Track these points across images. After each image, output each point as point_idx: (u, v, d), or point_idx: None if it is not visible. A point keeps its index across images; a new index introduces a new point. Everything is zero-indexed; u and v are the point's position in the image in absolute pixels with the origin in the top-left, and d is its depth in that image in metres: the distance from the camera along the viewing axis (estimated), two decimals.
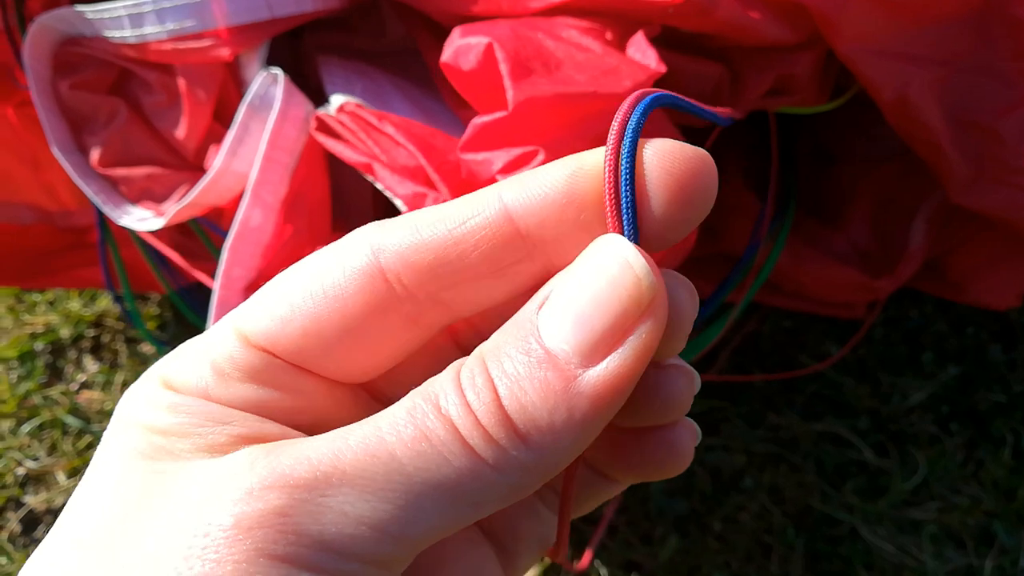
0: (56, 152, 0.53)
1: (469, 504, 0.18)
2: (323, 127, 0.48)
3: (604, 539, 0.64)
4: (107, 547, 0.18)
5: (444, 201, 0.41)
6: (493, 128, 0.38)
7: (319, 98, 0.52)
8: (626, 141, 0.18)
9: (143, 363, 0.79)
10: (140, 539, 0.18)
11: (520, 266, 0.19)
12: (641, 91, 0.20)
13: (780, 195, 0.59)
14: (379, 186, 0.45)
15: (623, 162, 0.18)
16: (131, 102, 0.54)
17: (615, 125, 0.19)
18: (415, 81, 0.54)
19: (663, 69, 0.40)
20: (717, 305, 0.56)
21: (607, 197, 0.18)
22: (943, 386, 0.70)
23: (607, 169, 0.18)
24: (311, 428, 0.20)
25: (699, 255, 0.58)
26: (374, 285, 0.19)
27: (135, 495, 0.18)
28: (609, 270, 0.18)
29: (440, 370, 0.19)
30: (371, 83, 0.52)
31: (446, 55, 0.41)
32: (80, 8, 0.49)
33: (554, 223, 0.19)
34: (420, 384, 0.19)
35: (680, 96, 0.20)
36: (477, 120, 0.39)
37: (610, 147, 0.18)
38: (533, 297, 0.19)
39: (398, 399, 0.19)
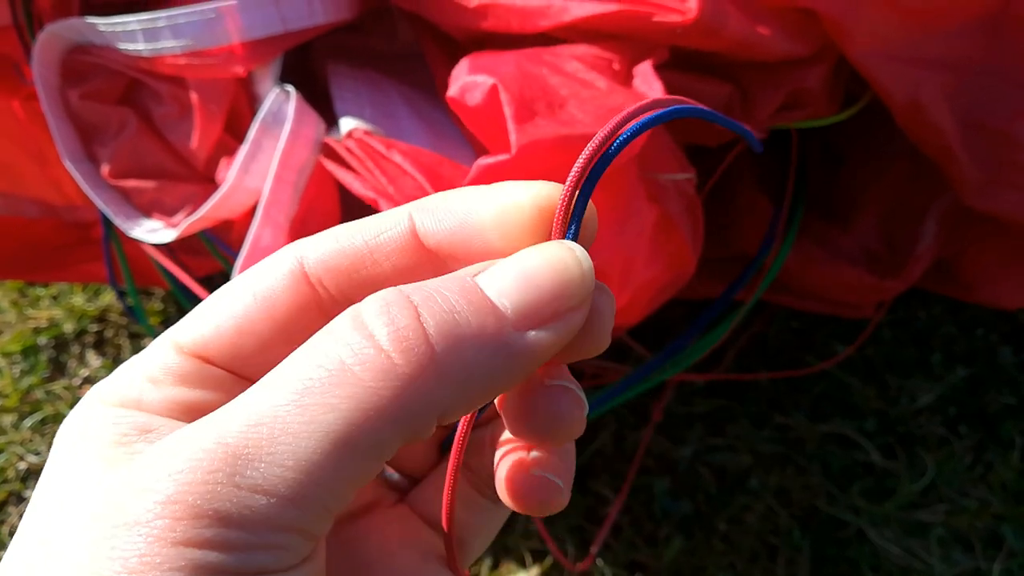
0: (67, 162, 0.53)
1: (365, 447, 0.17)
2: (332, 154, 0.48)
3: (608, 539, 0.63)
4: (49, 556, 0.18)
5: None
6: (497, 169, 0.39)
7: (326, 99, 0.51)
8: (596, 168, 0.20)
9: None
10: (73, 547, 0.17)
11: (428, 276, 0.20)
12: (625, 114, 0.21)
13: (791, 195, 0.58)
14: None
15: (584, 186, 0.20)
16: (141, 112, 0.54)
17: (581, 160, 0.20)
18: (424, 89, 0.54)
19: None
20: (726, 304, 0.55)
21: (559, 211, 0.20)
22: (952, 388, 0.69)
23: (567, 190, 0.20)
24: None
25: (713, 257, 0.58)
26: (299, 287, 0.21)
27: (83, 503, 0.18)
28: (562, 258, 0.19)
29: None
30: (381, 96, 0.52)
31: (453, 90, 0.41)
32: (92, 20, 0.48)
33: (470, 246, 0.20)
34: None
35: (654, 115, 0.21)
36: (482, 161, 0.39)
37: (576, 170, 0.20)
38: (464, 269, 0.20)
39: None
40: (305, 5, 0.48)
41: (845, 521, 0.63)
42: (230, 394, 0.20)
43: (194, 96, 0.50)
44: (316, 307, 0.21)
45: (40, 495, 0.19)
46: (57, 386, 0.77)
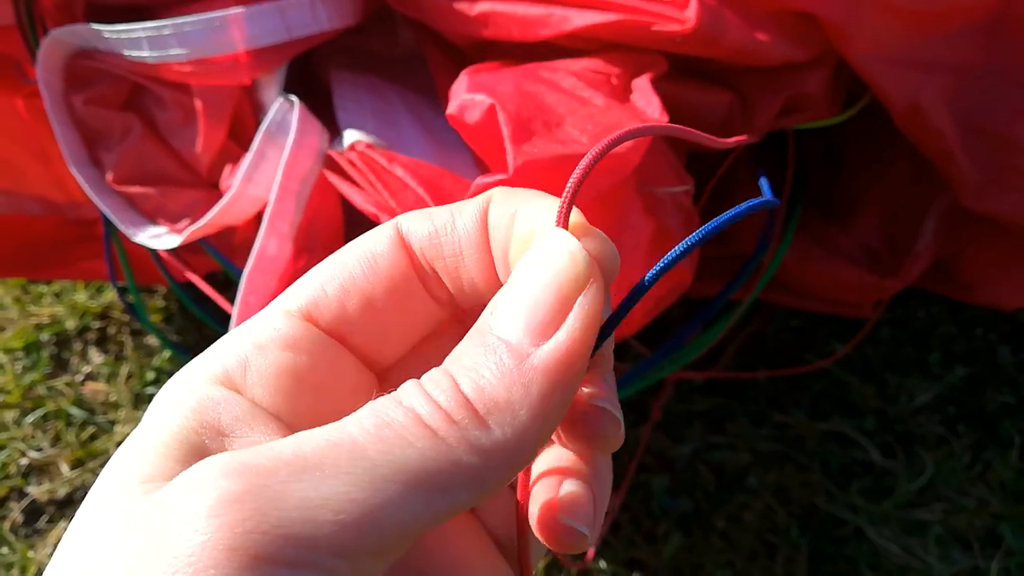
0: (72, 167, 0.53)
1: (438, 490, 0.18)
2: (335, 167, 0.48)
3: (607, 536, 0.64)
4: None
5: None
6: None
7: (328, 99, 0.52)
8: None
9: (148, 355, 0.79)
10: (130, 566, 0.17)
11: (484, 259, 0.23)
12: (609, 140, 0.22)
13: (789, 196, 0.58)
14: None
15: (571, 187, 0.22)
16: (145, 118, 0.54)
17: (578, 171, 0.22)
18: (425, 94, 0.54)
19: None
20: (723, 302, 0.56)
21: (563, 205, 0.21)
22: (951, 387, 0.69)
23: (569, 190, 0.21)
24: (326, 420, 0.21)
25: (712, 255, 0.58)
26: (399, 253, 0.23)
27: (129, 522, 0.18)
28: (547, 257, 0.20)
29: None
30: (383, 105, 0.52)
31: (452, 108, 0.42)
32: (97, 27, 0.48)
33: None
34: None
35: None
36: (479, 180, 0.40)
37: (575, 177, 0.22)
38: (487, 307, 0.21)
39: None
40: (309, 13, 0.48)
41: (844, 519, 0.63)
42: (333, 363, 0.22)
43: (198, 102, 0.50)
44: (414, 274, 0.23)
45: (91, 508, 0.19)
46: (59, 382, 0.78)
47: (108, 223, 0.65)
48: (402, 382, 0.22)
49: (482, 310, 0.23)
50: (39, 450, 0.73)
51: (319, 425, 0.20)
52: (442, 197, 0.43)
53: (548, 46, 0.46)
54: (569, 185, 0.21)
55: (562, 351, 0.19)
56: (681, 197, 0.45)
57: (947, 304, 0.73)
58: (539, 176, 0.38)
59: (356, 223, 0.52)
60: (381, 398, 0.19)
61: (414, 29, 0.54)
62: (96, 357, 0.80)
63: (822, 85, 0.47)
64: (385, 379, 0.24)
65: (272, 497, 0.17)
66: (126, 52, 0.49)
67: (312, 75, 0.57)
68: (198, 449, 0.20)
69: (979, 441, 0.67)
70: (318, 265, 0.23)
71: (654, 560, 0.62)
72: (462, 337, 0.24)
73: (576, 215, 0.22)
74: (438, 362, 0.20)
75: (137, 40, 0.48)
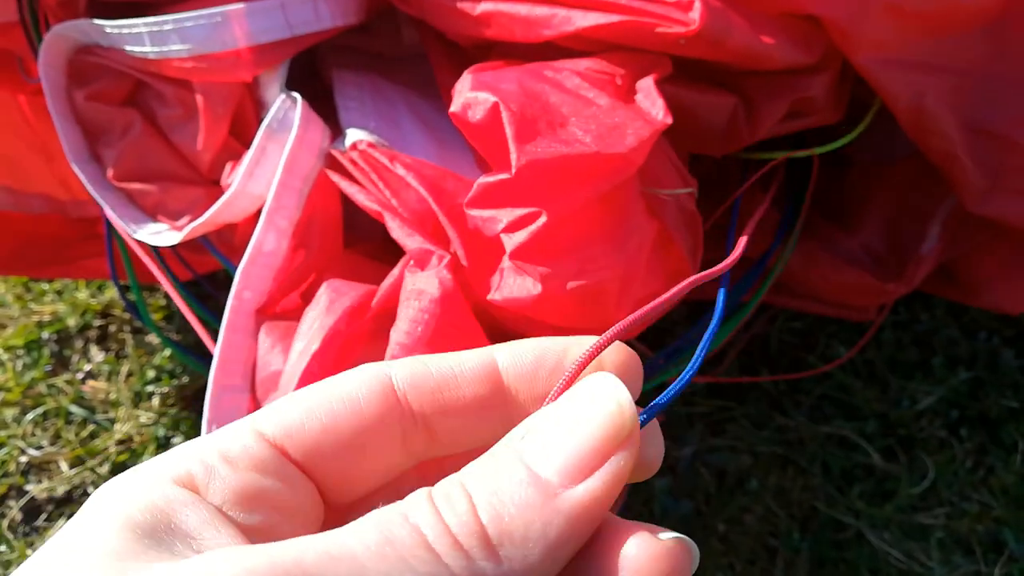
0: (72, 163, 0.53)
1: None
2: (336, 166, 0.48)
3: None
4: None
5: (444, 261, 0.41)
6: (497, 189, 0.39)
7: (330, 98, 0.51)
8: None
9: (149, 354, 0.79)
10: None
11: (498, 411, 0.23)
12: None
13: (792, 198, 0.58)
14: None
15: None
16: (146, 114, 0.53)
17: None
18: (427, 93, 0.54)
19: (668, 121, 0.41)
20: (728, 307, 0.55)
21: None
22: (953, 391, 0.69)
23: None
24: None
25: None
26: (386, 396, 0.22)
27: None
28: (601, 401, 0.20)
29: None
30: (385, 105, 0.52)
31: (455, 106, 0.41)
32: (99, 22, 0.48)
33: (536, 388, 0.22)
34: None
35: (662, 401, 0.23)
36: (482, 180, 0.39)
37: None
38: (513, 430, 0.21)
39: None
40: (311, 10, 0.48)
41: (845, 523, 0.63)
42: (295, 491, 0.21)
43: (199, 99, 0.50)
44: (398, 419, 0.22)
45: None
46: (60, 380, 0.78)
47: (109, 222, 0.65)
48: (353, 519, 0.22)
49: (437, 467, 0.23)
50: (39, 448, 0.73)
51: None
52: (444, 199, 0.43)
53: (551, 47, 0.46)
54: (612, 332, 0.22)
55: (591, 499, 0.19)
56: (685, 199, 0.45)
57: (950, 307, 0.73)
58: (543, 177, 0.38)
59: (355, 225, 0.52)
60: (386, 509, 0.19)
61: (417, 28, 0.54)
62: (97, 355, 0.80)
63: (826, 88, 0.47)
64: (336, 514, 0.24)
65: None
66: (128, 48, 0.49)
67: (314, 75, 0.57)
68: (153, 547, 0.18)
69: (982, 445, 0.66)
70: (299, 394, 0.22)
71: None
72: (417, 483, 0.23)
73: (619, 353, 0.22)
74: (388, 501, 0.20)
75: (139, 35, 0.48)
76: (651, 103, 0.42)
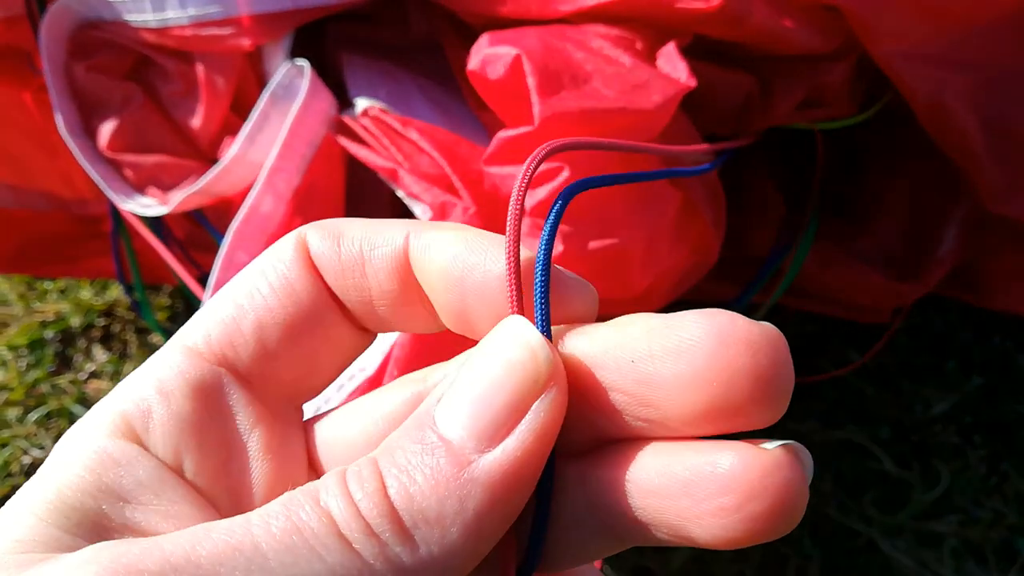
0: (64, 134, 0.52)
1: None
2: (346, 131, 0.47)
3: None
4: None
5: (469, 212, 0.40)
6: (518, 142, 0.38)
7: (340, 95, 0.51)
8: (546, 228, 0.19)
9: (152, 353, 0.78)
10: None
11: (417, 307, 0.20)
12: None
13: (807, 198, 0.58)
14: (400, 193, 0.44)
15: (542, 248, 0.19)
16: (147, 89, 0.53)
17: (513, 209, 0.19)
18: (438, 81, 0.54)
19: (693, 83, 0.40)
20: (742, 308, 0.55)
21: (509, 279, 0.18)
22: (967, 396, 0.68)
23: (509, 254, 0.19)
24: (227, 490, 0.19)
25: (723, 257, 0.57)
26: (313, 278, 0.20)
27: None
28: (505, 351, 0.17)
29: None
30: (395, 85, 0.51)
31: (473, 63, 0.40)
32: None
33: (445, 287, 0.19)
34: None
35: (603, 176, 0.21)
36: (503, 134, 0.38)
37: (510, 235, 0.19)
38: (431, 393, 0.18)
39: None
40: None
41: (857, 531, 0.62)
42: (243, 414, 0.20)
43: (200, 71, 0.50)
44: (332, 304, 0.20)
45: None
46: (63, 380, 0.77)
47: (116, 219, 0.64)
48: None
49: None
50: (41, 448, 0.72)
51: (227, 485, 0.18)
52: (458, 164, 0.42)
53: (567, 24, 0.45)
54: (511, 215, 0.19)
55: (508, 463, 0.16)
56: (707, 174, 0.44)
57: (964, 312, 0.72)
58: (567, 131, 0.37)
59: (360, 202, 0.52)
60: (298, 491, 0.17)
61: (427, 12, 0.53)
62: (100, 355, 0.79)
63: (843, 78, 0.47)
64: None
65: None
66: (128, 16, 0.48)
67: (323, 69, 0.56)
68: (91, 515, 0.17)
69: (995, 452, 0.66)
70: (223, 295, 0.20)
71: (663, 570, 0.61)
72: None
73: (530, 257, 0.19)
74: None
75: (140, 2, 0.47)
76: (673, 67, 0.41)
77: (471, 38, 0.43)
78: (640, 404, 0.17)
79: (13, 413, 0.75)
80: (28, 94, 0.65)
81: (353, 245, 0.20)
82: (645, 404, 0.17)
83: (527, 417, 0.17)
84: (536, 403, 0.17)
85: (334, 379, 0.22)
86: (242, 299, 0.20)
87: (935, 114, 0.46)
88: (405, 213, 0.48)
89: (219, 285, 0.46)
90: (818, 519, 0.63)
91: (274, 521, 0.16)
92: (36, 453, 0.72)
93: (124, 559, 0.15)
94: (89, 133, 0.53)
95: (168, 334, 0.73)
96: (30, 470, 0.71)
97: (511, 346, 0.17)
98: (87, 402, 0.75)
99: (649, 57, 0.42)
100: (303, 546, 0.16)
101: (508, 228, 0.19)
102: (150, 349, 0.79)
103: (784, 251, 0.54)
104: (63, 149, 0.54)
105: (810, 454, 0.18)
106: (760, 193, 0.58)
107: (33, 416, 0.74)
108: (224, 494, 0.19)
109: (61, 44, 0.51)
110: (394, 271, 0.20)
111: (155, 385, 0.19)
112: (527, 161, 0.19)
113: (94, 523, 0.17)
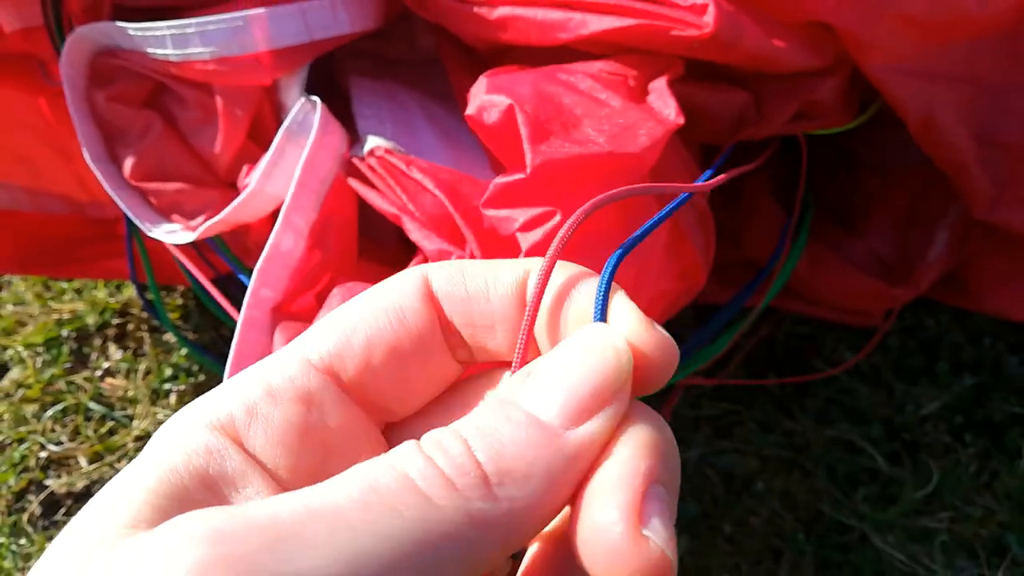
0: (89, 162, 0.54)
1: (427, 568, 0.16)
2: (354, 172, 0.49)
3: None
4: None
5: (476, 257, 0.42)
6: (513, 189, 0.40)
7: (345, 101, 0.52)
8: (605, 271, 0.24)
9: (167, 352, 0.80)
10: None
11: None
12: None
13: (801, 202, 0.59)
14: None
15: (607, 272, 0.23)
16: (165, 116, 0.54)
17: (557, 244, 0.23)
18: (442, 98, 0.55)
19: (681, 121, 0.41)
20: (736, 310, 0.56)
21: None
22: (958, 396, 0.70)
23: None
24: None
25: (721, 262, 0.59)
26: (428, 308, 0.22)
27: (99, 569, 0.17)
28: (599, 349, 0.20)
29: None
30: (401, 112, 0.53)
31: (471, 109, 0.42)
32: (122, 24, 0.49)
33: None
34: None
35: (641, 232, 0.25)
36: (498, 180, 0.41)
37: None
38: (510, 380, 0.21)
39: None
40: (330, 15, 0.49)
41: (849, 526, 0.64)
42: (344, 422, 0.21)
43: (219, 101, 0.51)
44: (440, 332, 0.23)
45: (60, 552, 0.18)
46: (78, 377, 0.79)
47: (130, 222, 0.66)
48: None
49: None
50: (58, 444, 0.74)
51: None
52: (461, 202, 0.44)
53: (566, 50, 0.47)
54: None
55: (591, 440, 0.19)
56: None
57: (956, 313, 0.74)
58: (558, 176, 0.39)
59: (369, 232, 0.53)
60: (370, 461, 0.18)
61: (433, 33, 0.55)
62: (115, 353, 0.81)
63: (836, 92, 0.48)
64: (394, 436, 0.23)
65: (244, 570, 0.15)
66: (150, 50, 0.50)
67: (332, 81, 0.58)
68: (185, 499, 0.19)
69: (986, 450, 0.67)
70: (338, 312, 0.22)
71: None
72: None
73: (622, 304, 0.22)
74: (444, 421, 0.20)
75: (161, 38, 0.49)
76: (663, 103, 0.43)
77: (474, 62, 0.44)
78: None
79: (30, 409, 0.77)
80: (43, 99, 0.67)
81: (478, 278, 0.23)
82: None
83: (612, 406, 0.20)
84: (616, 400, 0.20)
85: (424, 404, 0.24)
86: (356, 318, 0.22)
87: (925, 127, 0.47)
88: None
89: (247, 322, 0.48)
90: (812, 514, 0.65)
91: (351, 484, 0.17)
92: (53, 448, 0.74)
93: (211, 523, 0.16)
94: (113, 159, 0.55)
95: (181, 334, 0.75)
96: (47, 464, 0.73)
97: (603, 347, 0.20)
98: (102, 399, 0.77)
99: (641, 92, 0.44)
100: (380, 504, 0.17)
101: (535, 284, 0.23)
102: (164, 347, 0.81)
103: (776, 255, 0.56)
104: (77, 153, 0.55)
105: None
106: (756, 198, 0.60)
107: (49, 412, 0.76)
108: None
109: (81, 71, 0.53)
110: (516, 297, 0.23)
111: (264, 387, 0.21)
112: (564, 227, 0.23)
113: (185, 507, 0.18)
